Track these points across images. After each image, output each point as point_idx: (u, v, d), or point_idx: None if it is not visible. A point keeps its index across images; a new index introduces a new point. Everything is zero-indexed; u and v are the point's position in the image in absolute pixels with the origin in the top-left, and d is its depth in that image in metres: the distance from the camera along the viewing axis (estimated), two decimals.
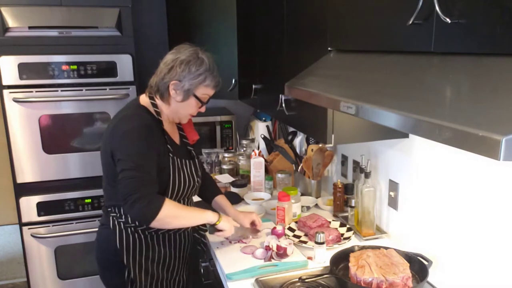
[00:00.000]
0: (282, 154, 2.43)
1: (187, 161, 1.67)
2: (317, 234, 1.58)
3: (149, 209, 1.43)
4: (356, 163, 2.07)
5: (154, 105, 1.60)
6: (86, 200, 2.70)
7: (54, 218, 2.67)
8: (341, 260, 1.50)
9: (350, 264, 1.39)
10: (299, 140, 2.58)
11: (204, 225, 1.74)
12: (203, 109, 1.65)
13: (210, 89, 1.60)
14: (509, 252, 1.22)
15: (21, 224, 2.63)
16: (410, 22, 0.97)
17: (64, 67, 2.53)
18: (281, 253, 1.62)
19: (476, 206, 1.33)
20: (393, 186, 1.75)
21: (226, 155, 2.67)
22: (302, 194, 2.25)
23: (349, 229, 1.83)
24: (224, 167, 2.61)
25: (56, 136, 2.61)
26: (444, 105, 0.83)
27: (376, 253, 1.44)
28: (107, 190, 1.64)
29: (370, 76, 1.16)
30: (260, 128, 2.88)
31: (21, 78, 2.48)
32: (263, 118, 2.94)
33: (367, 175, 1.74)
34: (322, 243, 1.58)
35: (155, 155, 1.51)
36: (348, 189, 2.03)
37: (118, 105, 2.55)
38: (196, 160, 1.75)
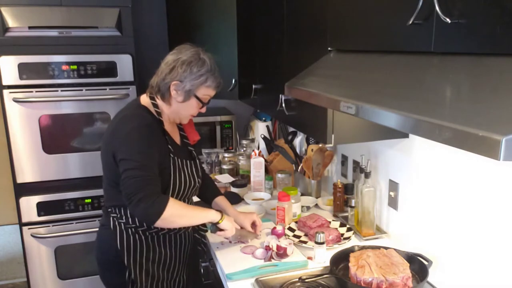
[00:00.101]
0: (282, 154, 2.43)
1: (188, 162, 1.67)
2: (317, 234, 1.58)
3: (154, 209, 1.43)
4: (356, 163, 2.07)
5: (155, 105, 1.60)
6: (86, 200, 2.70)
7: (54, 218, 2.67)
8: (341, 260, 1.50)
9: (350, 264, 1.39)
10: (299, 140, 2.58)
11: (204, 225, 1.74)
12: (203, 110, 1.65)
13: (211, 90, 1.60)
14: (509, 252, 1.22)
15: (21, 224, 2.63)
16: (410, 22, 0.97)
17: (64, 67, 2.53)
18: (281, 253, 1.62)
19: (476, 206, 1.33)
20: (393, 186, 1.75)
21: (226, 155, 2.67)
22: (302, 194, 2.25)
23: (349, 229, 1.83)
24: (224, 167, 2.61)
25: (56, 136, 2.61)
26: (444, 105, 0.83)
27: (376, 253, 1.44)
28: (107, 190, 1.64)
29: (370, 76, 1.16)
30: (260, 128, 2.88)
31: (21, 78, 2.48)
32: (263, 118, 2.94)
33: (367, 175, 1.74)
34: (322, 243, 1.58)
35: (157, 155, 1.51)
36: (348, 189, 2.03)
37: (118, 105, 2.55)
38: (197, 161, 1.75)
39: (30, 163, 2.58)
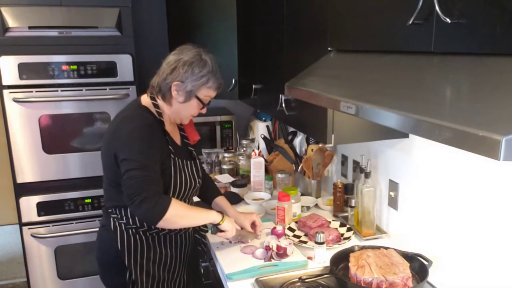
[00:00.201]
0: (282, 154, 2.43)
1: (188, 162, 1.67)
2: (317, 234, 1.58)
3: (157, 209, 1.43)
4: (356, 163, 2.07)
5: (156, 106, 1.60)
6: (86, 200, 2.70)
7: (54, 218, 2.67)
8: (341, 260, 1.50)
9: (350, 264, 1.39)
10: (299, 140, 2.58)
11: (205, 226, 1.74)
12: (204, 110, 1.65)
13: (212, 91, 1.60)
14: (509, 252, 1.22)
15: (21, 224, 2.63)
16: (410, 22, 0.97)
17: (64, 67, 2.53)
18: (281, 253, 1.62)
19: (476, 206, 1.33)
20: (393, 186, 1.75)
21: (226, 155, 2.67)
22: (302, 194, 2.25)
23: (349, 229, 1.83)
24: (224, 167, 2.61)
25: (56, 136, 2.61)
26: (444, 105, 0.83)
27: (376, 253, 1.44)
28: (107, 191, 1.64)
29: (370, 76, 1.16)
30: (260, 128, 2.88)
31: (21, 78, 2.48)
32: (263, 118, 2.94)
33: (367, 175, 1.74)
34: (322, 243, 1.58)
35: (158, 155, 1.51)
36: (348, 189, 2.03)
37: (118, 105, 2.56)
38: (198, 161, 1.75)
39: (30, 163, 2.58)
